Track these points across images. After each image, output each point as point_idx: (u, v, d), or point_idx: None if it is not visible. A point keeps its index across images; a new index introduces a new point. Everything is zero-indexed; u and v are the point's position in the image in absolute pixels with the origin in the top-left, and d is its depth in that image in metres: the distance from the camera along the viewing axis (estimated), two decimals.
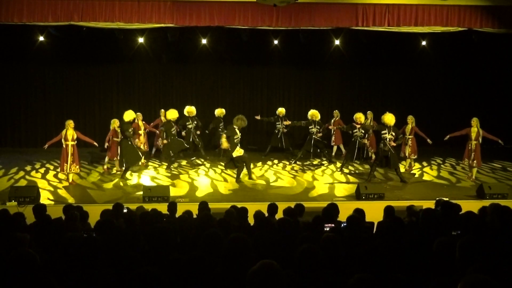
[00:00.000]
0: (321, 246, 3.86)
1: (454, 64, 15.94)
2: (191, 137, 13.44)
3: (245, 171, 11.64)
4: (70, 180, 11.14)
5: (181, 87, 16.15)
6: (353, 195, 10.39)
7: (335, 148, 14.48)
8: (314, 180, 11.81)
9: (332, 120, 14.30)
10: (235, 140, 11.25)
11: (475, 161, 11.63)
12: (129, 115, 11.67)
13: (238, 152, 11.28)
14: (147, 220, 5.78)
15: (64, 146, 11.08)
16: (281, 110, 14.26)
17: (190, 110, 13.48)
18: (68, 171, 11.09)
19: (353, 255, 3.93)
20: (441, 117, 15.80)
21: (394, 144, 11.39)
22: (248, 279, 2.73)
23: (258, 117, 14.40)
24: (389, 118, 11.35)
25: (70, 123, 11.22)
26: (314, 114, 13.29)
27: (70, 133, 11.14)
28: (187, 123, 13.41)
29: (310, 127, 13.26)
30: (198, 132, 13.53)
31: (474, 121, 11.66)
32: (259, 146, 15.48)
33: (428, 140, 12.48)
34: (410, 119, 12.68)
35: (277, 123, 14.17)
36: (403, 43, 13.86)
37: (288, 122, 13.88)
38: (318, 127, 13.22)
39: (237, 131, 11.27)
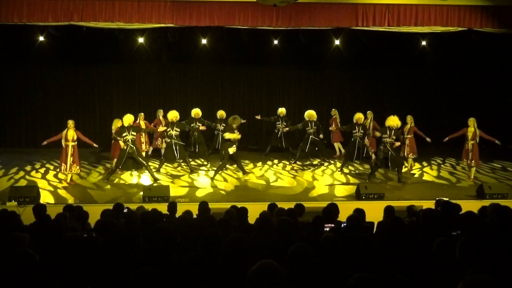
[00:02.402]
0: (321, 246, 3.86)
1: (454, 64, 15.93)
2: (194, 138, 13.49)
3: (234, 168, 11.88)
4: (68, 180, 11.13)
5: (181, 87, 16.15)
6: (353, 195, 10.39)
7: (337, 146, 14.46)
8: (314, 180, 11.81)
9: (331, 119, 14.33)
10: (233, 140, 11.27)
11: (473, 161, 11.65)
12: (127, 119, 11.49)
13: (233, 151, 11.29)
14: (147, 220, 5.78)
15: (64, 146, 11.06)
16: (282, 110, 14.26)
17: (196, 112, 13.51)
18: (67, 172, 11.08)
19: (353, 255, 3.93)
20: (441, 117, 15.80)
21: (397, 145, 11.39)
22: (248, 279, 2.73)
23: (259, 117, 14.43)
24: (394, 120, 11.36)
25: (71, 123, 11.21)
26: (311, 114, 13.25)
27: (70, 133, 11.11)
28: (192, 125, 13.31)
29: (307, 128, 13.25)
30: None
31: (471, 121, 11.70)
32: (259, 146, 15.48)
33: (427, 139, 12.49)
34: (409, 119, 12.74)
35: (277, 123, 14.18)
36: (403, 43, 13.86)
37: (285, 129, 13.82)
38: (315, 128, 13.21)
39: (235, 132, 11.28)
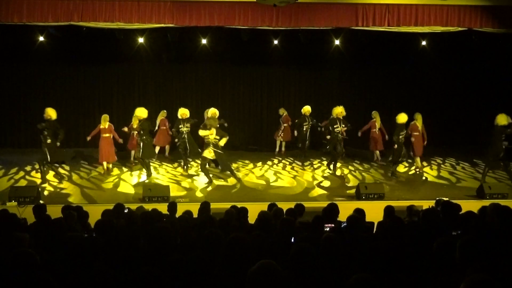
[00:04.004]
0: (321, 246, 3.86)
1: (454, 64, 15.93)
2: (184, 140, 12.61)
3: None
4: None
5: (181, 87, 16.13)
6: (353, 195, 10.40)
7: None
8: (314, 180, 11.81)
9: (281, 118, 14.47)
10: (206, 140, 11.19)
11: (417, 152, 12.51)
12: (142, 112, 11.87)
13: (208, 153, 11.16)
14: (147, 220, 5.78)
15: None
16: (307, 109, 13.62)
17: (183, 112, 12.76)
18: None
19: (353, 255, 3.93)
20: (441, 117, 15.79)
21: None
22: (247, 279, 2.74)
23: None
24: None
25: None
26: (341, 111, 12.17)
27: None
28: (180, 126, 12.71)
29: (335, 125, 12.12)
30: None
31: (417, 116, 12.74)
32: (259, 146, 15.48)
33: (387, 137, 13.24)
34: (375, 114, 13.53)
35: (304, 123, 13.63)
36: (403, 43, 13.86)
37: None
38: (344, 125, 12.20)
39: (209, 132, 11.13)
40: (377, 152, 13.71)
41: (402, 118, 11.86)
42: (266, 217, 5.83)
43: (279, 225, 5.17)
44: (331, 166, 12.57)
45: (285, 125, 14.55)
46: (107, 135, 12.22)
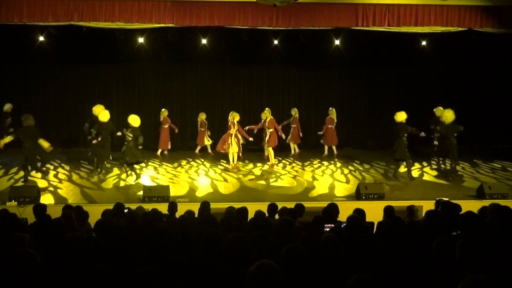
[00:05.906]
0: (321, 246, 3.86)
1: (454, 64, 15.93)
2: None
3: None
4: None
5: (181, 87, 16.13)
6: (353, 195, 10.40)
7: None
8: (314, 180, 11.81)
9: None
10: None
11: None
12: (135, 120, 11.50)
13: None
14: (147, 220, 5.78)
15: None
16: (403, 115, 11.72)
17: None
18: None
19: (353, 255, 3.93)
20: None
21: None
22: (246, 279, 2.74)
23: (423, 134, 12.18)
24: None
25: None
26: (447, 115, 11.20)
27: None
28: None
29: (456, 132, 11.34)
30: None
31: (294, 111, 14.42)
32: (259, 146, 15.46)
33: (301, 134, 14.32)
34: (294, 111, 14.42)
35: (403, 131, 11.63)
36: (403, 43, 13.86)
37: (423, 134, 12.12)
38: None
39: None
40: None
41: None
42: (263, 217, 5.84)
43: (278, 224, 5.17)
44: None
45: (270, 130, 13.22)
46: (166, 126, 14.15)
